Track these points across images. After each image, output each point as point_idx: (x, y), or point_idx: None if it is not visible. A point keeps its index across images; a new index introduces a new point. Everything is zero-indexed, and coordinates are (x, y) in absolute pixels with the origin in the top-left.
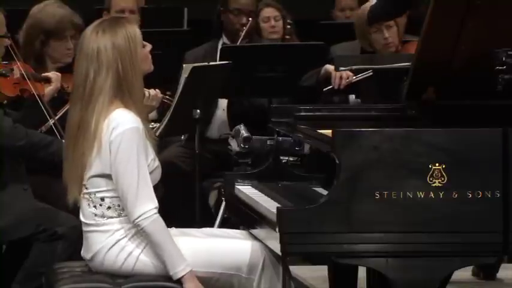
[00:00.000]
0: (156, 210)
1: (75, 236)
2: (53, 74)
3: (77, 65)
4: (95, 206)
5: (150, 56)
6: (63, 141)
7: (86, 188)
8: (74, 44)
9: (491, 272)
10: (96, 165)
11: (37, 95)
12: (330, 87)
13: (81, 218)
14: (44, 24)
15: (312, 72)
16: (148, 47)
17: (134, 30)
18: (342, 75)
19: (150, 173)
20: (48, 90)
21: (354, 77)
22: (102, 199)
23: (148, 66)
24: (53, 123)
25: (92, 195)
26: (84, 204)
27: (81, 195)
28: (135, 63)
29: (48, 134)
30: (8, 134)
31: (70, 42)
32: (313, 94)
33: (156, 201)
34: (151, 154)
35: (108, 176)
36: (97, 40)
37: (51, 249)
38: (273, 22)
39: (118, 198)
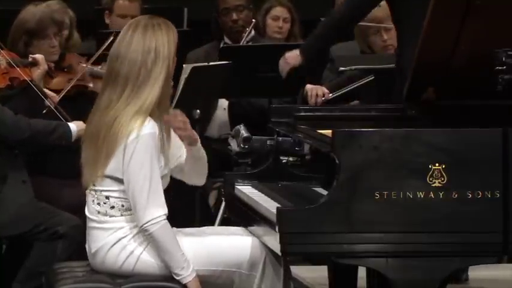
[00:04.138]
0: (165, 217)
1: (76, 235)
2: (39, 56)
3: (128, 54)
4: (99, 204)
5: None
6: (71, 124)
7: (94, 185)
8: (58, 41)
9: (458, 275)
10: (110, 166)
11: (29, 80)
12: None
13: (86, 212)
14: (25, 25)
15: (300, 92)
16: None
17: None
18: (317, 93)
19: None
20: (37, 74)
21: (330, 95)
22: (107, 198)
23: None
24: (55, 107)
25: (98, 193)
26: (89, 200)
27: (88, 190)
28: (172, 66)
29: (49, 117)
30: (11, 127)
31: (54, 40)
32: None
33: (166, 208)
34: (162, 161)
35: (117, 179)
36: (155, 33)
37: (52, 249)
38: (281, 23)
39: (123, 199)
